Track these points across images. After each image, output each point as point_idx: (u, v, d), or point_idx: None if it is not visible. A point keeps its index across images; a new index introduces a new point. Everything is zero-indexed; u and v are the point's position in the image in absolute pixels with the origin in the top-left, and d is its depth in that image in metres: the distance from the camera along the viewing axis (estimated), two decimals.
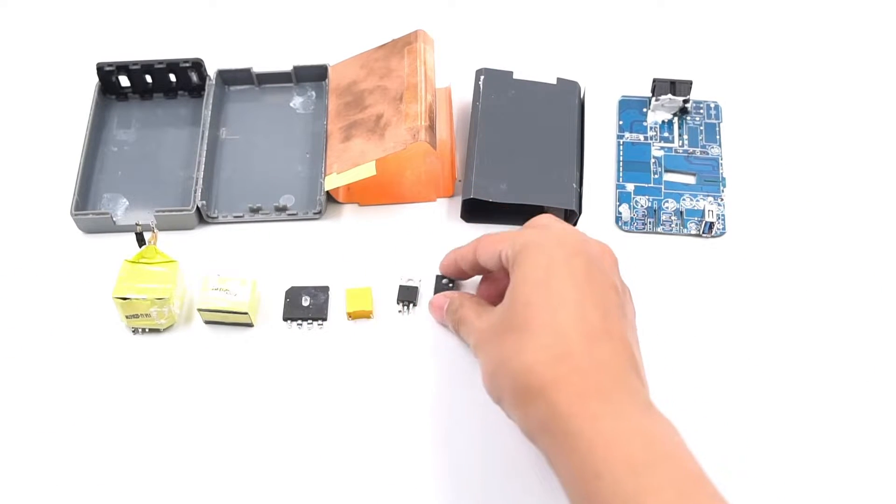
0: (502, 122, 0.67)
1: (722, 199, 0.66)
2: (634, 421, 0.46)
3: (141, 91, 0.71)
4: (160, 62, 0.70)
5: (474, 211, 0.65)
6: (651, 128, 0.70)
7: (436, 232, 0.66)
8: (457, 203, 0.67)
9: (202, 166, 0.66)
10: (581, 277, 0.49)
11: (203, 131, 0.68)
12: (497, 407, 0.59)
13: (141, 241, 0.61)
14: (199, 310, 0.61)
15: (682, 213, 0.66)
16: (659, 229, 0.66)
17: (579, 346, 0.47)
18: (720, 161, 0.68)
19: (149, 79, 0.70)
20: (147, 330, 0.62)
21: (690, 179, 0.68)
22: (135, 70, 0.70)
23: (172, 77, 0.70)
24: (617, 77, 0.72)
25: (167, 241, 0.62)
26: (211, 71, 0.71)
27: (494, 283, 0.59)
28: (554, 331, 0.47)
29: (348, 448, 0.58)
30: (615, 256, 0.54)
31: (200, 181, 0.66)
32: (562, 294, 0.48)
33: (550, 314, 0.48)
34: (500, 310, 0.51)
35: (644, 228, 0.66)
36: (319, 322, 0.62)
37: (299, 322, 0.62)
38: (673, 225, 0.66)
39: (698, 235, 0.65)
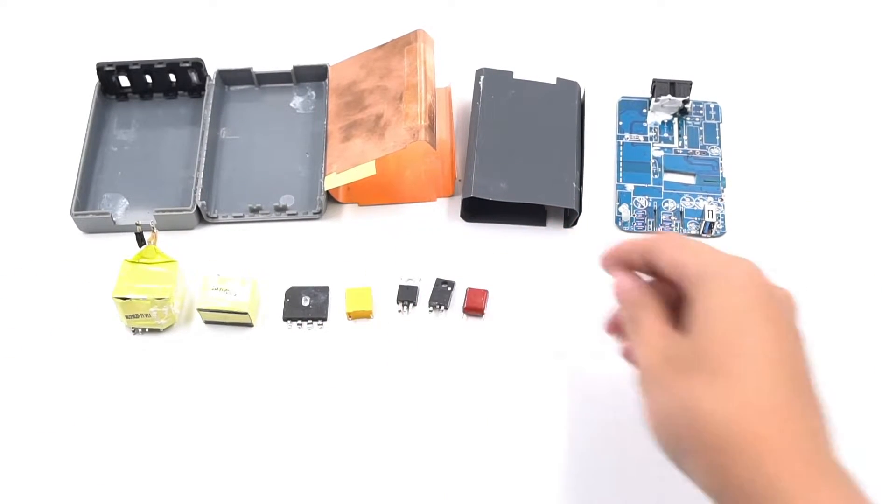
0: (502, 122, 0.67)
1: (722, 200, 0.67)
2: (845, 489, 0.42)
3: (141, 91, 0.71)
4: (160, 62, 0.70)
5: (474, 210, 0.65)
6: (651, 128, 0.70)
7: (436, 232, 0.66)
8: (457, 203, 0.67)
9: (202, 166, 0.66)
10: (780, 326, 0.44)
11: (203, 131, 0.68)
12: (497, 406, 0.59)
13: (141, 241, 0.61)
14: (199, 310, 0.61)
15: (681, 213, 0.66)
16: (659, 229, 0.66)
17: (784, 400, 0.42)
18: (720, 161, 0.68)
19: (149, 79, 0.71)
20: (147, 330, 0.62)
21: (690, 180, 0.68)
22: (135, 70, 0.70)
23: (172, 77, 0.70)
24: (617, 77, 0.72)
25: (167, 241, 0.62)
26: (211, 71, 0.71)
27: (664, 294, 0.49)
28: (758, 383, 0.42)
29: (348, 448, 0.58)
30: (797, 303, 0.48)
31: (200, 181, 0.66)
32: (762, 340, 0.43)
33: (754, 363, 0.42)
34: (685, 340, 0.45)
35: (644, 228, 0.66)
36: (319, 322, 0.62)
37: (299, 322, 0.62)
38: (673, 225, 0.66)
39: (698, 235, 0.65)
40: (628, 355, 0.51)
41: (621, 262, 0.51)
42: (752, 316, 0.44)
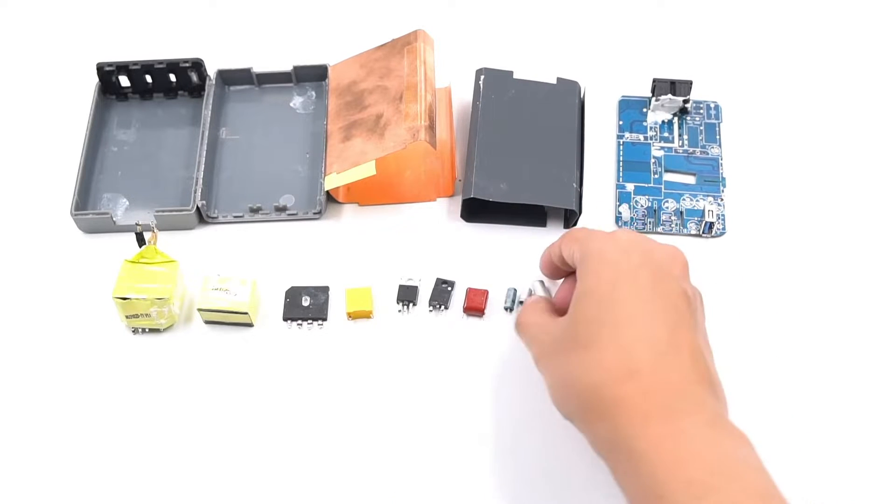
0: (502, 122, 0.67)
1: (722, 199, 0.66)
2: (698, 441, 0.44)
3: (141, 91, 0.71)
4: (160, 62, 0.70)
5: (474, 211, 0.65)
6: (651, 128, 0.70)
7: (436, 232, 0.66)
8: (457, 203, 0.67)
9: (202, 166, 0.66)
10: (648, 290, 0.47)
11: (203, 131, 0.68)
12: (496, 406, 0.59)
13: (141, 241, 0.61)
14: (199, 310, 0.61)
15: (682, 213, 0.66)
16: (659, 229, 0.66)
17: (646, 365, 0.45)
18: (720, 161, 0.68)
19: (149, 79, 0.70)
20: (147, 330, 0.62)
21: (690, 179, 0.68)
22: (135, 70, 0.70)
23: (172, 77, 0.70)
24: (617, 77, 0.72)
25: (167, 241, 0.62)
26: (211, 71, 0.71)
27: (573, 283, 0.54)
28: (619, 349, 0.46)
29: (348, 448, 0.58)
30: (685, 259, 0.51)
31: (200, 181, 0.66)
32: (627, 309, 0.47)
33: (616, 331, 0.46)
34: (565, 323, 0.49)
35: (644, 228, 0.66)
36: (319, 322, 0.62)
37: (299, 322, 0.62)
38: (673, 225, 0.66)
39: (698, 235, 0.65)
40: None
41: (548, 270, 0.56)
42: (620, 286, 0.47)
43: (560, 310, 0.53)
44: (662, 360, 0.46)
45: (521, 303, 0.63)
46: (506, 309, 0.62)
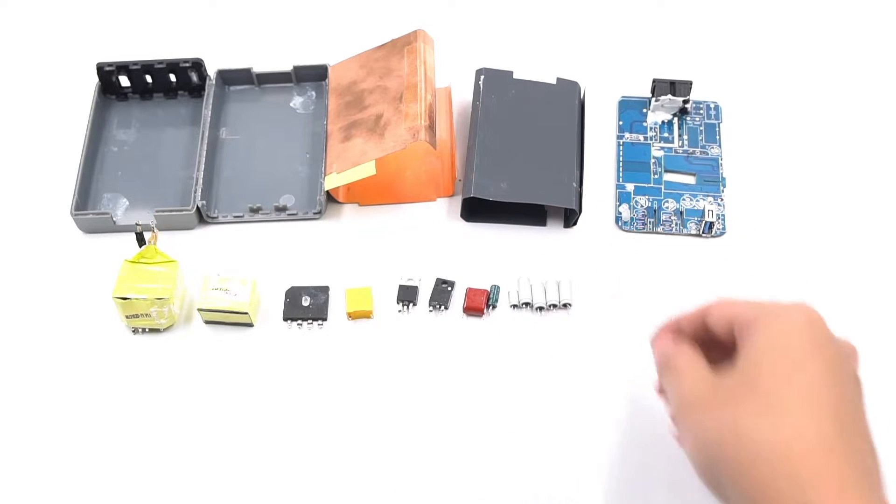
0: (502, 122, 0.67)
1: (722, 199, 0.67)
2: None
3: (141, 91, 0.71)
4: (160, 62, 0.70)
5: (474, 210, 0.65)
6: (651, 128, 0.70)
7: (436, 231, 0.66)
8: (457, 202, 0.67)
9: (202, 166, 0.66)
10: (834, 365, 0.43)
11: (203, 131, 0.68)
12: (495, 406, 0.59)
13: (141, 241, 0.61)
14: (199, 310, 0.61)
15: (681, 213, 0.66)
16: (659, 229, 0.66)
17: (839, 438, 0.41)
18: (720, 161, 0.68)
19: (149, 79, 0.71)
20: (147, 330, 0.62)
21: (690, 179, 0.68)
22: (135, 70, 0.70)
23: (172, 77, 0.70)
24: (617, 77, 0.72)
25: (167, 241, 0.62)
26: (211, 71, 0.71)
27: (713, 350, 0.48)
28: (811, 412, 0.42)
29: (349, 448, 0.58)
30: (858, 355, 0.48)
31: (200, 181, 0.66)
32: (814, 374, 0.42)
33: (807, 394, 0.42)
34: (732, 372, 0.44)
35: (644, 228, 0.66)
36: (319, 322, 0.62)
37: (299, 322, 0.62)
38: (673, 225, 0.66)
39: (698, 235, 0.65)
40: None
41: (670, 338, 0.50)
42: (808, 355, 0.43)
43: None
44: (852, 438, 0.42)
45: (514, 306, 0.63)
46: (490, 306, 0.62)
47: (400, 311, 0.63)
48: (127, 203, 0.67)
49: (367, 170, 0.63)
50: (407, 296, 0.63)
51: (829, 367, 0.43)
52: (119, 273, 0.60)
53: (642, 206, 0.66)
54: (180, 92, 0.72)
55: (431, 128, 0.64)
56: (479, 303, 0.62)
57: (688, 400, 0.45)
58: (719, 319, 0.47)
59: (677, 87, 0.69)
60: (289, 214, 0.66)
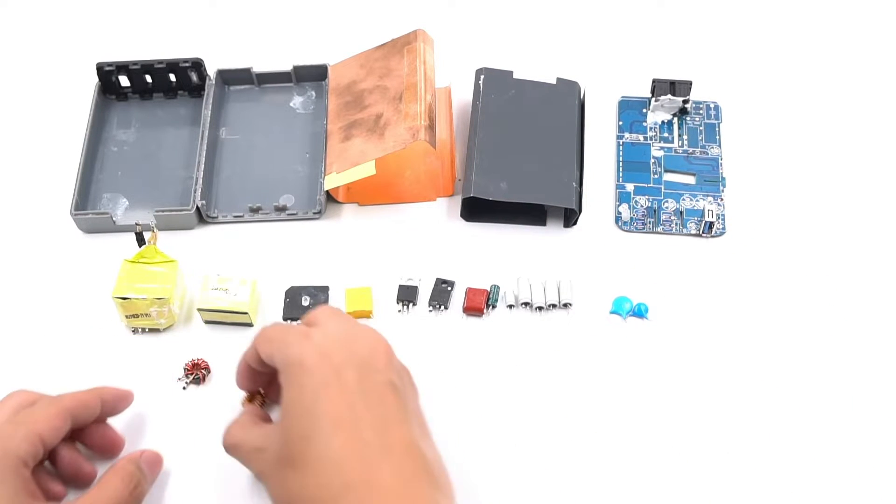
0: (502, 122, 0.67)
1: (722, 199, 0.67)
2: None
3: (141, 91, 0.71)
4: (160, 62, 0.70)
5: (474, 210, 0.65)
6: (651, 128, 0.70)
7: (436, 231, 0.66)
8: (457, 202, 0.67)
9: (202, 166, 0.66)
10: (352, 392, 0.47)
11: (203, 131, 0.68)
12: (495, 406, 0.59)
13: (141, 240, 0.61)
14: (199, 310, 0.61)
15: (681, 212, 0.66)
16: (659, 229, 0.66)
17: (358, 475, 0.45)
18: (720, 161, 0.68)
19: (149, 79, 0.71)
20: (147, 330, 0.62)
21: (690, 179, 0.68)
22: (135, 70, 0.70)
23: (172, 77, 0.70)
24: (617, 77, 0.72)
25: (167, 241, 0.62)
26: (211, 71, 0.71)
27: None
28: (330, 463, 0.45)
29: None
30: (388, 346, 0.51)
31: (200, 181, 0.66)
32: (332, 418, 0.46)
33: (324, 445, 0.46)
34: (276, 436, 0.48)
35: (644, 228, 0.66)
36: None
37: (299, 322, 0.62)
38: (673, 225, 0.66)
39: (698, 235, 0.65)
40: None
41: (246, 380, 0.55)
42: (324, 395, 0.47)
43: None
44: (375, 465, 0.45)
45: (510, 306, 0.63)
46: (490, 306, 0.62)
47: (400, 311, 0.63)
48: (127, 203, 0.67)
49: (366, 170, 0.63)
50: (407, 296, 0.63)
51: (344, 399, 0.46)
52: (119, 273, 0.60)
53: (642, 206, 0.66)
54: (180, 92, 0.72)
55: (431, 128, 0.64)
56: (479, 303, 0.62)
57: (257, 472, 0.51)
58: (267, 362, 0.51)
59: (677, 87, 0.69)
60: (289, 214, 0.66)
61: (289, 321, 0.62)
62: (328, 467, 0.45)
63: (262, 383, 0.56)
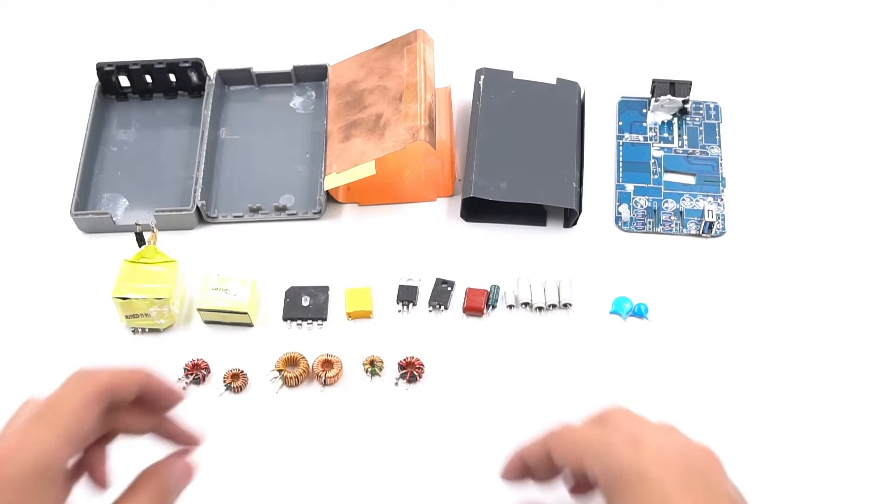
0: (502, 122, 0.67)
1: (721, 199, 0.66)
2: None
3: (141, 91, 0.71)
4: (160, 62, 0.70)
5: (474, 210, 0.65)
6: (651, 128, 0.70)
7: (436, 231, 0.66)
8: (457, 202, 0.67)
9: (202, 166, 0.66)
10: (702, 498, 0.42)
11: (203, 131, 0.68)
12: (496, 406, 0.59)
13: (141, 241, 0.61)
14: (199, 310, 0.61)
15: (681, 213, 0.66)
16: (659, 229, 0.66)
17: None
18: (720, 161, 0.68)
19: (149, 79, 0.71)
20: (147, 330, 0.62)
21: (690, 179, 0.68)
22: (135, 70, 0.70)
23: (172, 77, 0.70)
24: (617, 77, 0.72)
25: (167, 241, 0.62)
26: (211, 71, 0.71)
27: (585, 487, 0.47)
28: None
29: (349, 447, 0.58)
30: (718, 457, 0.46)
31: (200, 181, 0.66)
32: None
33: None
34: None
35: (644, 228, 0.66)
36: (319, 322, 0.62)
37: (299, 322, 0.62)
38: (673, 225, 0.66)
39: (698, 235, 0.65)
40: None
41: (520, 472, 0.48)
42: None
43: None
44: None
45: (510, 307, 0.63)
46: (490, 306, 0.62)
47: (400, 311, 0.63)
48: (127, 203, 0.67)
49: (366, 170, 0.63)
50: (407, 296, 0.63)
51: None
52: (119, 273, 0.60)
53: (642, 206, 0.66)
54: (180, 92, 0.72)
55: (431, 128, 0.64)
56: (479, 303, 0.62)
57: None
58: (567, 461, 0.45)
59: (677, 88, 0.69)
60: (289, 214, 0.66)
61: (288, 321, 0.62)
62: None
63: (526, 476, 0.49)
